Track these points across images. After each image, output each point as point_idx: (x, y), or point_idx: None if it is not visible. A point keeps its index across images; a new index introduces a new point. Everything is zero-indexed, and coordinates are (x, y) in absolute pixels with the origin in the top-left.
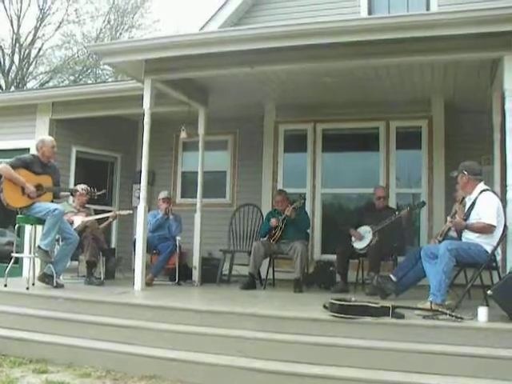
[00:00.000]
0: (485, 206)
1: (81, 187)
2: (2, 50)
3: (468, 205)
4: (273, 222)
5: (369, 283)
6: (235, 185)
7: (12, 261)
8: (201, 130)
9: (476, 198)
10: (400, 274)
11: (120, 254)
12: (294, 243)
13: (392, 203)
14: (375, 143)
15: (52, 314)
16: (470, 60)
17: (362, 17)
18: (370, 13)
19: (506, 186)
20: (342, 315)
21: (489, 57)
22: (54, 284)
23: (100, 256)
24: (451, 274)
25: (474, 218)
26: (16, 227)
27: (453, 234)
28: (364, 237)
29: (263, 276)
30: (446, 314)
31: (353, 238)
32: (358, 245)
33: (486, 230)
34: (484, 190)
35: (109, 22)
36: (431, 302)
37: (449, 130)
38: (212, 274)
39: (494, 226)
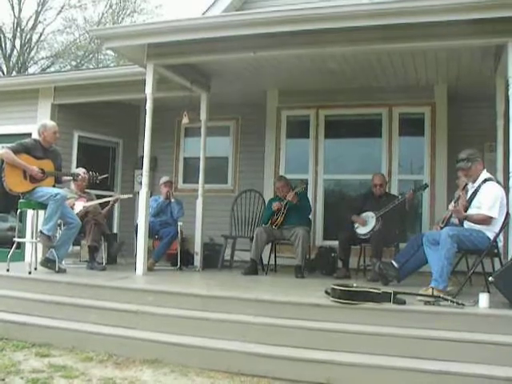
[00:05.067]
0: (486, 197)
1: (82, 171)
2: (4, 35)
3: (470, 192)
4: (275, 205)
5: (370, 269)
6: (237, 171)
7: (14, 246)
8: (203, 115)
9: (479, 186)
10: (402, 260)
11: (122, 239)
12: (295, 229)
13: (394, 190)
14: (378, 129)
15: (54, 299)
16: (474, 46)
17: (364, 2)
18: None
19: (508, 173)
20: (344, 301)
21: (493, 43)
22: (56, 269)
23: (102, 241)
24: (453, 261)
25: (475, 206)
26: (18, 212)
27: (454, 220)
28: (367, 222)
29: (265, 262)
30: (447, 300)
31: (355, 224)
32: (362, 230)
33: (485, 221)
34: (487, 179)
35: (111, 6)
36: (433, 288)
37: (452, 116)
38: (214, 259)
39: (493, 218)
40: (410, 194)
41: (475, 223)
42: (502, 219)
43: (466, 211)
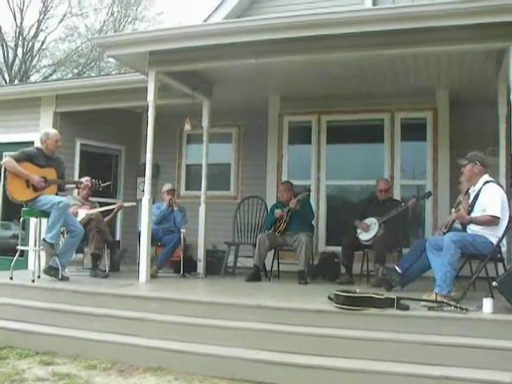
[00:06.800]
0: (489, 198)
1: (85, 179)
2: (6, 44)
3: (472, 196)
4: (277, 213)
5: (374, 275)
6: (239, 177)
7: (17, 254)
8: (205, 122)
9: (480, 189)
10: (405, 265)
11: (125, 247)
12: (298, 235)
13: (397, 195)
14: (380, 135)
15: (57, 307)
16: (476, 51)
17: (367, 8)
18: (374, 4)
19: (511, 178)
20: (347, 307)
21: (494, 47)
22: (60, 276)
23: (105, 248)
24: (457, 266)
25: (478, 210)
26: (21, 220)
27: (457, 225)
28: (370, 228)
29: (268, 268)
30: (451, 305)
31: (358, 230)
32: (364, 236)
33: (491, 222)
34: (488, 182)
35: (112, 14)
36: (437, 294)
37: (454, 121)
38: (217, 266)
39: (499, 218)
40: (413, 202)
41: (482, 225)
42: (505, 223)
43: (468, 215)
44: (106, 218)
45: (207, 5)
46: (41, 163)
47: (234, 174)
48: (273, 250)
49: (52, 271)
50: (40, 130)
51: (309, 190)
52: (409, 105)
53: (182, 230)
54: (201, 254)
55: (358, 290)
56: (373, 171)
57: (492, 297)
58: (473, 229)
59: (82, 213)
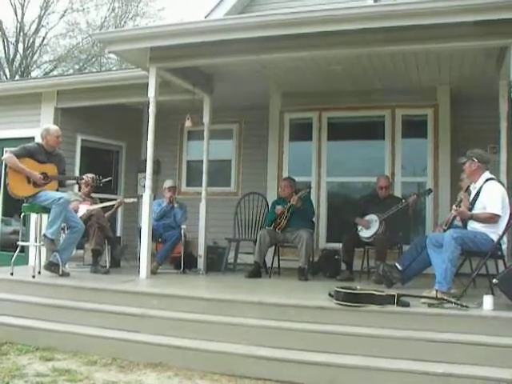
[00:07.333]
0: (489, 196)
1: (87, 176)
2: (7, 39)
3: (473, 194)
4: (278, 209)
5: (374, 272)
6: (240, 173)
7: (18, 249)
8: (206, 118)
9: (481, 186)
10: (406, 262)
11: (125, 243)
12: (299, 232)
13: (397, 192)
14: (381, 132)
15: (58, 303)
16: (477, 48)
17: (368, 4)
18: (375, 0)
19: None
20: (348, 303)
21: (495, 44)
22: (60, 272)
23: (105, 244)
24: (457, 263)
25: (478, 208)
26: (21, 216)
27: (458, 222)
28: (371, 225)
29: (268, 264)
30: (451, 302)
31: (359, 227)
32: (365, 233)
33: (491, 219)
34: (489, 179)
35: (113, 10)
36: (437, 291)
37: (455, 118)
38: (217, 262)
39: (499, 216)
40: (414, 199)
41: (481, 222)
42: (506, 220)
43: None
44: (107, 214)
45: (208, 1)
46: (41, 159)
47: (234, 170)
48: (273, 247)
49: (52, 267)
50: (41, 126)
51: (309, 187)
52: (410, 102)
53: (183, 227)
54: (201, 250)
55: (358, 287)
56: (373, 168)
57: (492, 294)
58: (474, 226)
59: (83, 208)
